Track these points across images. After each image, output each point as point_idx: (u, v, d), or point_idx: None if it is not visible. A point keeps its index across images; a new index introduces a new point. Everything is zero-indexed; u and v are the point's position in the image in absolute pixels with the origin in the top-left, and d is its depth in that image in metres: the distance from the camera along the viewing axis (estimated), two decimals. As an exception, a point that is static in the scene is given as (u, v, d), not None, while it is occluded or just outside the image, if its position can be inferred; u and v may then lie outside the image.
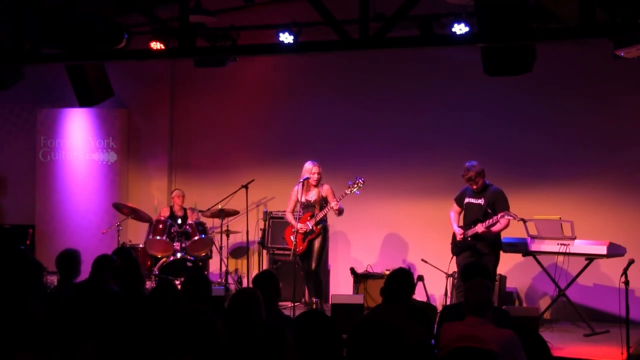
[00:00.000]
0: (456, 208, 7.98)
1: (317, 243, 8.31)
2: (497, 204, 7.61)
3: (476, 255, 7.63)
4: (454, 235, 7.86)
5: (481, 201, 7.72)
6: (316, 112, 9.93)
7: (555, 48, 8.30)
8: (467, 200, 7.83)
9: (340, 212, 8.23)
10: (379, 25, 6.64)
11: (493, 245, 7.72)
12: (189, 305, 4.73)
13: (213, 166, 10.48)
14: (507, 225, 7.65)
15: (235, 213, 9.42)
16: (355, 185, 8.06)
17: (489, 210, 7.61)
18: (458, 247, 7.81)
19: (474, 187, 7.72)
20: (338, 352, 4.62)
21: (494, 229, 7.57)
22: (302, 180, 8.34)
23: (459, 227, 7.85)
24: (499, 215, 7.50)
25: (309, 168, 8.32)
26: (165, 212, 9.64)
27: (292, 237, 8.33)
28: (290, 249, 8.36)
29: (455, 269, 7.96)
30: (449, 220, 7.97)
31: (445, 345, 4.43)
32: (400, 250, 9.47)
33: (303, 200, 8.31)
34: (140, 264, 6.16)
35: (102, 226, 10.12)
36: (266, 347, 3.07)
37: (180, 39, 7.38)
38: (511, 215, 7.49)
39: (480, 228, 7.52)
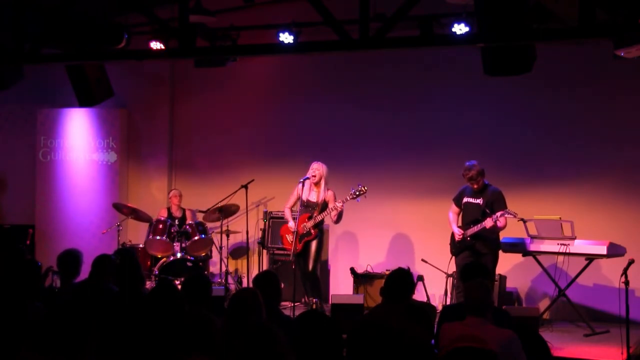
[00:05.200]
0: (455, 208, 7.98)
1: (313, 244, 8.31)
2: (496, 204, 7.62)
3: (475, 255, 7.64)
4: (453, 236, 7.87)
5: (480, 201, 7.73)
6: (316, 112, 9.93)
7: (555, 48, 8.31)
8: (465, 199, 7.84)
9: (339, 217, 8.23)
10: (379, 25, 6.65)
11: (492, 244, 7.72)
12: (189, 305, 4.73)
13: (213, 166, 10.48)
14: (504, 226, 7.65)
15: (236, 210, 9.40)
16: (358, 192, 8.05)
17: (488, 210, 7.62)
18: (457, 247, 7.82)
19: (475, 186, 7.73)
20: (338, 352, 4.62)
21: (498, 225, 7.58)
22: (302, 180, 8.34)
23: (458, 227, 7.85)
24: (498, 214, 7.50)
25: (310, 166, 8.34)
26: (163, 213, 9.64)
27: (288, 237, 8.36)
28: (285, 247, 8.47)
29: (455, 269, 7.96)
30: (448, 220, 7.98)
31: (445, 345, 4.42)
32: (400, 250, 9.47)
33: (304, 199, 8.32)
34: (140, 264, 6.16)
35: (102, 226, 10.11)
36: (258, 348, 3.07)
37: (180, 39, 7.39)
38: (511, 214, 7.50)
39: (489, 222, 7.52)
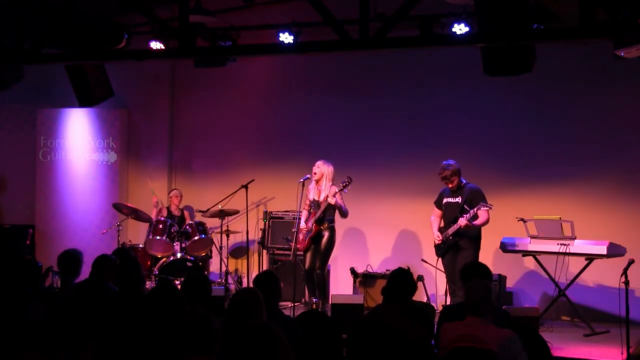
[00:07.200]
0: (437, 212, 8.03)
1: (321, 244, 8.25)
2: (475, 201, 7.65)
3: (456, 251, 7.69)
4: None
5: (458, 199, 7.78)
6: (316, 112, 9.93)
7: (555, 48, 8.31)
8: (445, 200, 7.91)
9: (340, 211, 8.17)
10: (379, 25, 6.65)
11: (472, 240, 7.74)
12: (189, 305, 4.73)
13: (213, 166, 10.48)
14: (487, 219, 7.66)
15: (235, 213, 9.43)
16: (343, 185, 8.04)
17: (466, 207, 7.65)
18: (441, 249, 7.86)
19: (450, 185, 7.80)
20: (338, 352, 4.62)
21: (475, 223, 7.61)
22: (301, 180, 8.32)
23: (439, 229, 7.89)
24: (475, 208, 7.53)
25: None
26: (163, 212, 9.63)
27: (300, 235, 8.32)
28: (297, 247, 8.38)
29: (445, 271, 7.96)
30: (430, 224, 8.01)
31: (445, 345, 4.42)
32: (400, 250, 9.47)
33: (311, 199, 8.33)
34: (140, 264, 6.16)
35: (102, 226, 10.11)
36: (258, 348, 3.07)
37: (180, 39, 7.38)
38: (487, 206, 7.53)
39: (462, 221, 7.57)
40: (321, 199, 8.25)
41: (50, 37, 7.68)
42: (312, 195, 8.35)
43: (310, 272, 8.31)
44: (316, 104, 9.93)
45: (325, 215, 8.20)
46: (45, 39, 7.65)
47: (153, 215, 9.65)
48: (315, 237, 8.23)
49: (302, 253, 8.39)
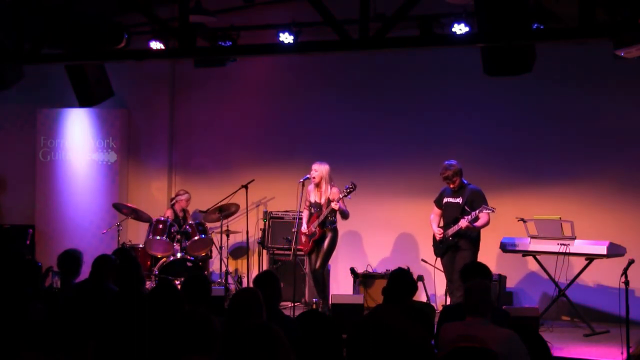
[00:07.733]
0: (436, 210, 8.04)
1: (324, 244, 8.24)
2: (476, 203, 7.66)
3: (455, 251, 7.71)
4: (435, 237, 7.90)
5: (459, 200, 7.78)
6: (316, 112, 9.93)
7: (555, 48, 8.31)
8: (445, 200, 7.92)
9: (342, 214, 8.18)
10: (379, 25, 6.65)
11: (472, 241, 7.75)
12: (189, 305, 4.73)
13: (213, 166, 10.48)
14: (487, 222, 7.68)
15: (235, 210, 9.41)
16: (348, 191, 8.02)
17: (467, 209, 7.66)
18: (440, 248, 7.88)
19: (451, 186, 7.82)
20: (338, 352, 4.62)
21: (476, 224, 7.63)
22: (301, 180, 8.31)
23: (439, 227, 7.90)
24: (477, 211, 7.54)
25: (312, 167, 8.32)
26: (169, 214, 9.60)
27: (303, 237, 8.31)
28: (300, 248, 8.37)
29: (444, 271, 7.96)
30: (429, 222, 8.01)
31: (445, 345, 4.43)
32: (400, 250, 9.47)
33: (312, 201, 8.31)
34: (139, 264, 6.16)
35: (102, 226, 10.10)
36: (258, 348, 3.08)
37: (180, 39, 7.39)
38: (489, 209, 7.54)
39: (463, 223, 7.59)
40: (322, 201, 8.24)
41: (50, 37, 7.68)
42: (312, 197, 8.33)
43: (314, 272, 8.32)
44: (316, 104, 9.93)
45: (327, 218, 8.21)
46: (45, 39, 7.65)
47: (169, 214, 9.64)
48: (319, 240, 8.24)
49: (302, 254, 8.40)
